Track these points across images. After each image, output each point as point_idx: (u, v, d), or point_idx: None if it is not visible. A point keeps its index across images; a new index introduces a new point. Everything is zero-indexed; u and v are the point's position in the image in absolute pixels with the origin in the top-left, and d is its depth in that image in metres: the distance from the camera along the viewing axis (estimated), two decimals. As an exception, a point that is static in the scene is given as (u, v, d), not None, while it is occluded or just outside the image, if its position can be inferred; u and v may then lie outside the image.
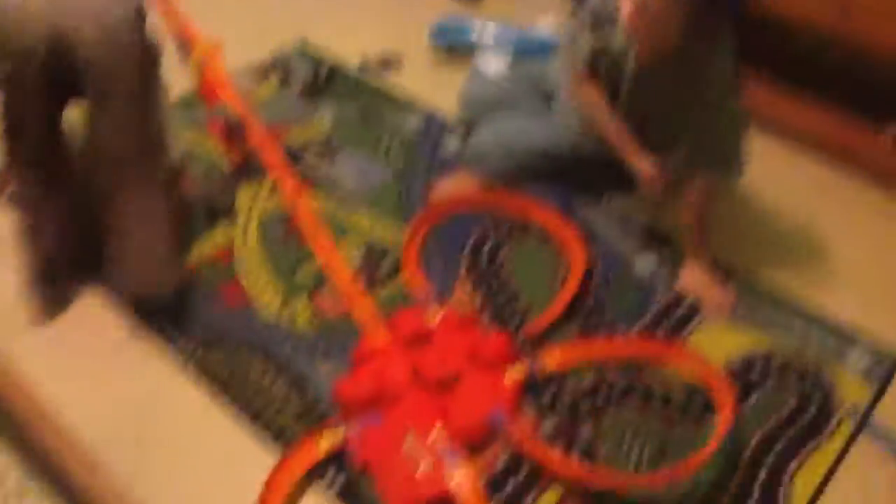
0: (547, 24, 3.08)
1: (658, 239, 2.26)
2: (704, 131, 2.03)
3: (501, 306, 2.10)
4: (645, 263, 2.22)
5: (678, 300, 2.12)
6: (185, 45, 2.95)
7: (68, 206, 1.93)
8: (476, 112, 2.48)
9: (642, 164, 2.11)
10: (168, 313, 2.02)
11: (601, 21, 2.06)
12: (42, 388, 1.41)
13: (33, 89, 1.68)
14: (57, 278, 1.99)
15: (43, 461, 1.27)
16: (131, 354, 1.96)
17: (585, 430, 1.83)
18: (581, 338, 2.02)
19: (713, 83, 1.99)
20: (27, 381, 1.36)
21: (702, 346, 2.00)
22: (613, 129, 2.15)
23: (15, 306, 2.01)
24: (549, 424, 1.84)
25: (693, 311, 2.09)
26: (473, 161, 2.40)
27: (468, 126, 2.51)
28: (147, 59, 1.81)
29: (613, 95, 2.15)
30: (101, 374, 1.92)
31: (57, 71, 1.64)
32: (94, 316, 2.03)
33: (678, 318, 2.08)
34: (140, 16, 1.79)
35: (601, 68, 2.13)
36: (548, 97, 2.44)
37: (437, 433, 1.76)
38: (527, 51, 2.92)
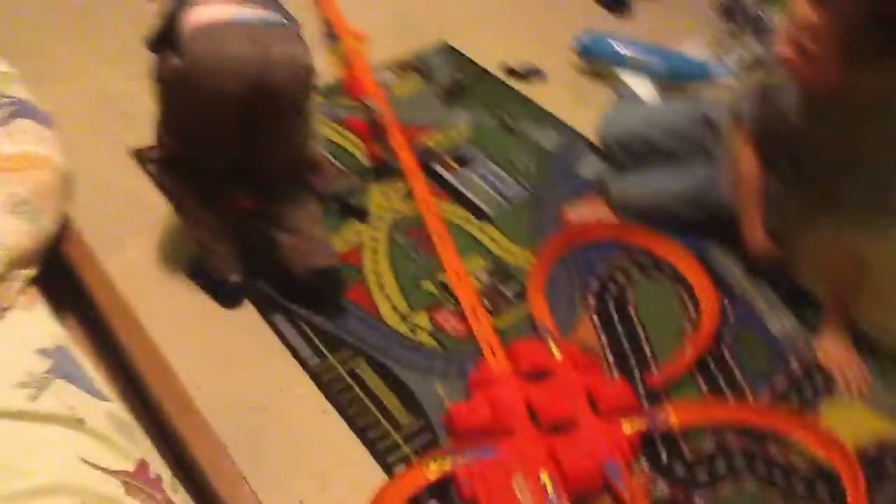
0: (694, 46, 2.97)
1: (798, 298, 2.15)
2: (875, 183, 1.89)
3: (626, 349, 2.04)
4: (781, 323, 2.12)
5: (813, 368, 2.01)
6: (333, 33, 2.99)
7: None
8: (618, 146, 2.39)
9: (754, 239, 2.05)
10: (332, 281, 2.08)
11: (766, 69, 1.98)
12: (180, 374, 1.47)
13: (220, 118, 1.90)
14: (214, 272, 2.08)
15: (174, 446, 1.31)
16: (260, 348, 2.00)
17: (700, 500, 1.76)
18: (706, 396, 1.95)
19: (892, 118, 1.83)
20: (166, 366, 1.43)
21: (833, 422, 1.89)
22: (746, 192, 2.06)
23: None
24: (662, 486, 1.77)
25: (828, 382, 1.98)
26: (617, 207, 2.35)
27: (609, 153, 2.43)
28: (311, 81, 1.96)
29: (775, 151, 2.04)
30: (230, 363, 1.96)
31: (250, 106, 1.86)
32: (230, 314, 2.08)
33: (811, 387, 1.98)
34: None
35: (767, 126, 2.03)
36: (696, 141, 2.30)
37: (546, 477, 1.73)
38: (674, 72, 2.83)
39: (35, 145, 1.61)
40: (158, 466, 1.12)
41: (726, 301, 2.15)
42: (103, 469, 1.03)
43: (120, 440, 1.09)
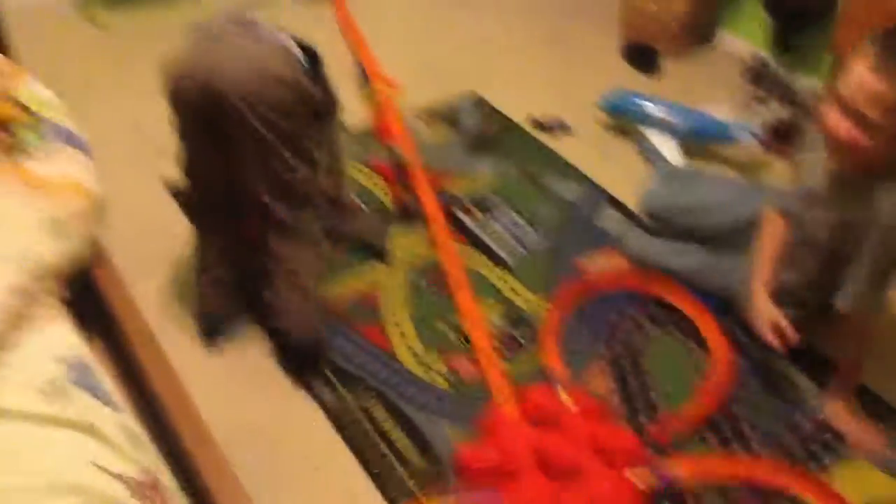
0: (720, 108, 3.01)
1: (811, 356, 2.15)
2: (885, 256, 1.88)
3: (636, 400, 2.05)
4: (793, 382, 2.11)
5: (824, 426, 2.00)
6: (367, 76, 3.08)
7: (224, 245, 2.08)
8: (660, 220, 2.36)
9: (761, 308, 1.99)
10: (311, 352, 2.08)
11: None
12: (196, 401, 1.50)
13: (199, 136, 1.89)
14: (219, 306, 2.12)
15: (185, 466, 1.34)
16: (275, 380, 2.04)
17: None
18: (714, 451, 1.94)
19: None
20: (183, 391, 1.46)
21: (844, 482, 1.88)
22: (766, 248, 2.06)
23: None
24: (667, 538, 1.77)
25: (839, 442, 1.97)
26: (634, 261, 2.37)
27: (646, 221, 2.43)
28: (303, 106, 1.89)
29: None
30: (246, 394, 2.00)
31: (214, 118, 1.81)
32: (246, 345, 2.13)
33: (822, 445, 1.97)
34: (308, 72, 1.89)
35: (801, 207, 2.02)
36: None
37: (550, 523, 1.73)
38: (697, 132, 2.87)
39: (72, 170, 1.68)
40: (164, 477, 1.15)
41: (739, 357, 2.15)
42: (111, 473, 1.07)
43: (129, 448, 1.13)
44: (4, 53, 2.04)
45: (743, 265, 2.14)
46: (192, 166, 1.98)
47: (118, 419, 1.17)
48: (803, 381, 2.11)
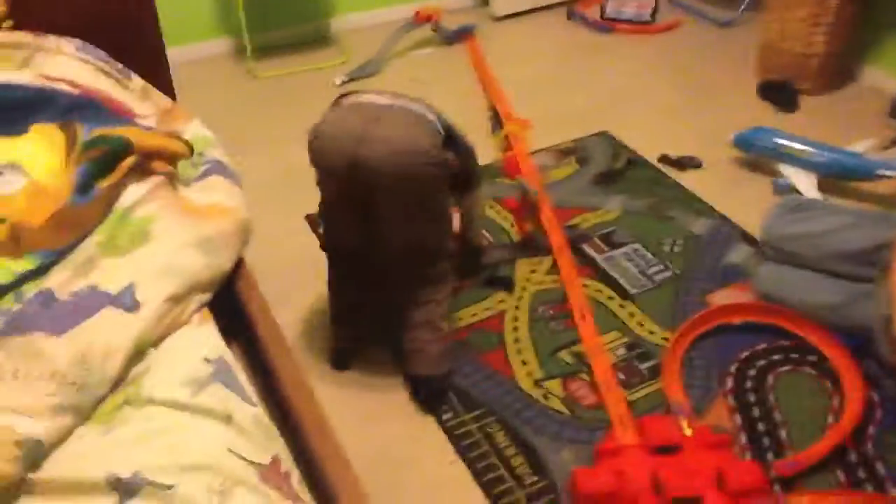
0: (862, 145, 2.92)
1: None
2: None
3: (760, 433, 2.01)
4: (935, 423, 2.01)
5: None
6: (499, 119, 3.20)
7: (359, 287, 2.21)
8: (781, 252, 2.33)
9: None
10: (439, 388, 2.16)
11: None
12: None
13: (340, 196, 2.03)
14: (351, 337, 2.26)
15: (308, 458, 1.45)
16: (401, 402, 2.14)
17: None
18: (843, 489, 1.87)
19: None
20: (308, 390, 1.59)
21: None
22: None
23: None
24: (789, 573, 1.72)
25: None
26: (761, 295, 2.33)
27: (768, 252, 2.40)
28: (440, 178, 1.99)
29: None
30: (372, 414, 2.11)
31: (355, 184, 1.94)
32: (374, 370, 2.25)
33: (965, 493, 1.86)
34: (446, 138, 1.99)
35: None
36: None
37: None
38: (836, 167, 2.79)
39: (224, 198, 1.86)
40: (289, 465, 1.26)
41: (875, 397, 2.07)
42: (244, 458, 1.19)
43: (260, 438, 1.25)
44: (173, 98, 2.28)
45: (880, 297, 2.07)
46: (330, 217, 2.12)
47: (251, 412, 1.30)
48: (947, 423, 2.01)
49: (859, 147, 2.90)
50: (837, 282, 2.22)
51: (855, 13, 3.34)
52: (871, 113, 3.31)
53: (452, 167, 1.99)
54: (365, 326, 2.27)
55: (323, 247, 2.21)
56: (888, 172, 2.75)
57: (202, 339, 1.43)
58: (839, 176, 2.82)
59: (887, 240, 2.15)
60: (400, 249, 2.05)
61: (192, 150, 1.90)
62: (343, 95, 2.08)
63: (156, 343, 1.40)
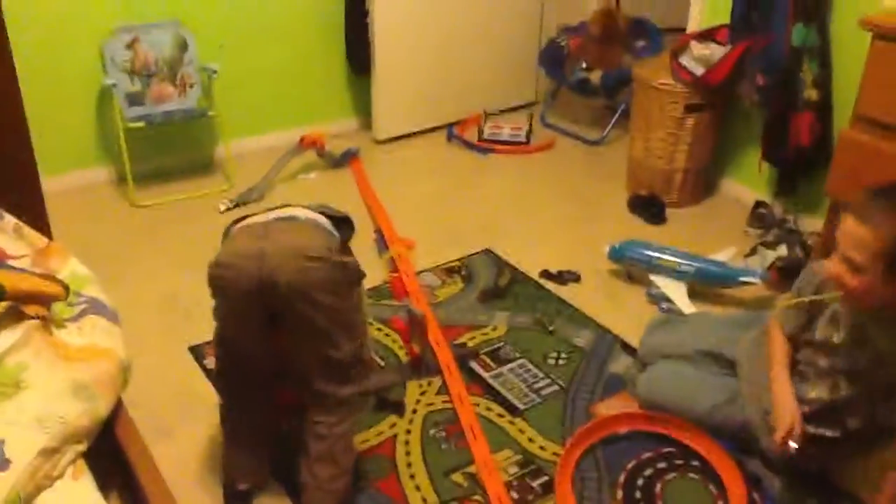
0: (726, 255, 3.12)
1: (834, 498, 2.14)
2: None
3: (652, 544, 2.04)
4: (813, 519, 2.10)
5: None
6: (384, 240, 3.26)
7: (257, 420, 2.14)
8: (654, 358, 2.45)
9: (785, 412, 2.04)
10: None
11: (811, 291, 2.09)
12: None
13: (246, 320, 1.99)
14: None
15: None
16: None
17: None
18: None
19: None
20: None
21: None
22: (777, 373, 2.12)
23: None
24: None
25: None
26: (644, 402, 2.41)
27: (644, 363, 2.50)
28: (344, 281, 1.99)
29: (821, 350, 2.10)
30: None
31: (264, 304, 1.93)
32: None
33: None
34: (341, 247, 2.03)
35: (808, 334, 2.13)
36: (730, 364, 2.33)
37: None
38: (703, 275, 2.97)
39: (101, 338, 1.81)
40: None
41: (756, 496, 2.15)
42: None
43: None
44: (45, 233, 2.23)
45: (754, 394, 2.19)
46: (229, 343, 2.06)
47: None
48: (823, 520, 2.10)
49: (723, 255, 3.10)
50: (713, 382, 2.32)
51: (712, 132, 3.62)
52: (732, 222, 3.56)
53: (351, 268, 1.99)
54: (264, 460, 2.17)
55: (218, 373, 2.14)
56: (750, 279, 2.94)
57: (77, 495, 1.37)
58: (706, 284, 3.00)
59: (733, 338, 2.32)
60: (313, 371, 2.00)
61: (67, 291, 1.86)
62: (233, 223, 2.09)
63: (27, 501, 1.33)
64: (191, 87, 3.77)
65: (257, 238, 1.93)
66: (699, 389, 2.31)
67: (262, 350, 2.04)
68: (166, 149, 3.92)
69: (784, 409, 2.04)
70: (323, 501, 2.03)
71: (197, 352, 2.67)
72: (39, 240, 2.06)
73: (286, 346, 2.01)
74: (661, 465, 2.27)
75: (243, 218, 2.10)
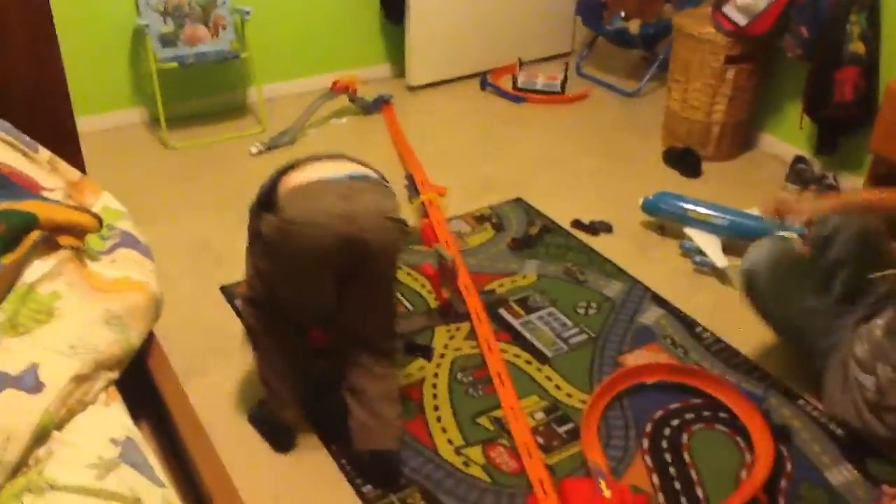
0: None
1: (860, 450, 2.12)
2: None
3: (678, 492, 2.04)
4: (842, 476, 2.08)
5: (875, 523, 1.96)
6: (415, 187, 3.24)
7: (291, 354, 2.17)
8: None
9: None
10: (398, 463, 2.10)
11: None
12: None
13: (316, 275, 2.04)
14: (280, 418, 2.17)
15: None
16: (320, 474, 2.10)
17: None
18: (758, 544, 1.91)
19: None
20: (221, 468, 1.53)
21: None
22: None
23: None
24: None
25: (890, 538, 1.92)
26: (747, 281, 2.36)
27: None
28: (401, 231, 2.05)
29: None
30: (291, 488, 2.06)
31: (341, 261, 1.99)
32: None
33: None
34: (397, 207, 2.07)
35: None
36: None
37: None
38: (736, 228, 2.92)
39: (134, 271, 1.83)
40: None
41: (784, 450, 2.14)
42: (152, 543, 1.15)
43: (171, 521, 1.21)
44: (82, 170, 2.24)
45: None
46: (276, 294, 2.08)
47: (161, 493, 1.25)
48: (852, 474, 2.08)
49: (759, 210, 3.04)
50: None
51: (752, 84, 3.53)
52: (770, 178, 3.49)
53: (410, 232, 2.10)
54: (298, 397, 2.18)
55: (253, 318, 2.16)
56: (787, 234, 2.88)
57: (109, 420, 1.39)
58: (741, 237, 2.95)
59: None
60: (366, 318, 2.09)
61: (100, 224, 1.87)
62: (281, 172, 2.06)
63: (59, 425, 1.35)
64: (223, 28, 3.75)
65: (343, 198, 1.95)
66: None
67: (325, 303, 2.07)
68: (199, 91, 3.91)
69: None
70: (391, 438, 2.07)
71: (228, 292, 2.68)
72: (73, 173, 2.07)
73: (346, 299, 2.06)
74: (689, 416, 2.26)
75: (292, 166, 2.07)
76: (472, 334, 2.53)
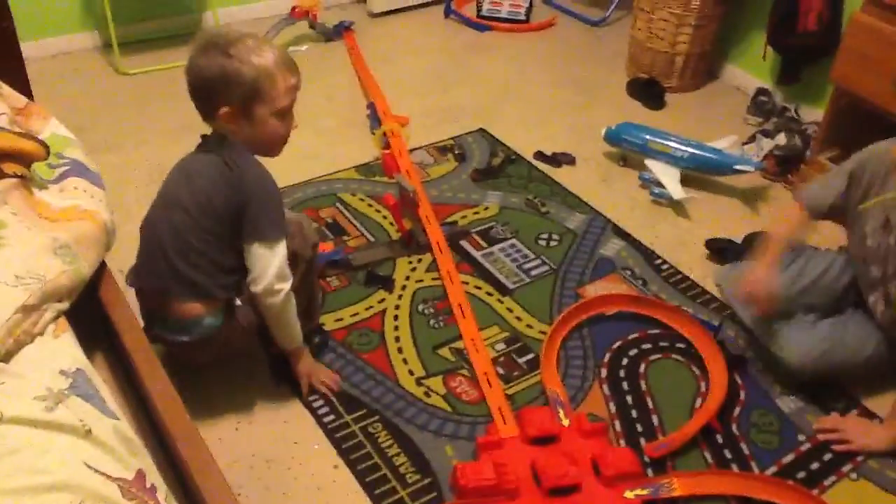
0: (725, 142, 3.05)
1: (810, 377, 2.17)
2: None
3: (634, 419, 2.07)
4: (793, 402, 2.13)
5: (822, 448, 2.01)
6: (377, 116, 3.18)
7: None
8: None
9: (759, 269, 2.12)
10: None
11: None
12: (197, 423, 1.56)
13: None
14: None
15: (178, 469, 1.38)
16: (280, 404, 2.09)
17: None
18: (711, 468, 1.96)
19: None
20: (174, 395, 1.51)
21: (841, 502, 1.88)
22: (773, 240, 2.17)
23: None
24: (662, 553, 1.78)
25: (837, 464, 1.98)
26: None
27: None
28: None
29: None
30: (250, 417, 2.06)
31: None
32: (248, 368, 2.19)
33: (819, 467, 1.97)
34: None
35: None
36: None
37: (545, 540, 1.75)
38: (698, 162, 2.92)
39: (84, 201, 1.77)
40: (155, 478, 1.21)
41: (738, 378, 2.18)
42: (104, 474, 1.13)
43: (123, 452, 1.19)
44: (29, 96, 2.15)
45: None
46: None
47: (112, 425, 1.24)
48: (803, 401, 2.13)
49: (723, 143, 3.04)
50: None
51: (718, 14, 3.49)
52: (732, 110, 3.49)
53: None
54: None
55: None
56: (745, 167, 2.89)
57: (58, 351, 1.35)
58: (700, 171, 2.95)
59: None
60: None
61: (48, 151, 1.80)
62: None
63: (6, 357, 1.31)
64: (177, -52, 3.60)
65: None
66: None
67: None
68: (152, 14, 3.76)
69: (758, 272, 2.11)
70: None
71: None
72: (18, 99, 1.99)
73: None
74: (647, 345, 2.29)
75: None
76: (433, 266, 2.52)
